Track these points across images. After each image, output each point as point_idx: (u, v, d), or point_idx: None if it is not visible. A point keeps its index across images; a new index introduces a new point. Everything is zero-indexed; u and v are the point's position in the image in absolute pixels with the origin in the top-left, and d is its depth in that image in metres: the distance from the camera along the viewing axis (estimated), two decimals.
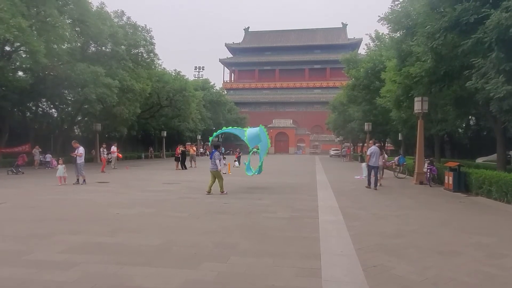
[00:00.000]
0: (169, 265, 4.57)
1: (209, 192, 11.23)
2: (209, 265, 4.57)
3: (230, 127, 15.57)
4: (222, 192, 11.23)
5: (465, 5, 9.78)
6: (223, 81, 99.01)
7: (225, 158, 13.58)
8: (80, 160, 13.77)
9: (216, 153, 11.53)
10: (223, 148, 58.55)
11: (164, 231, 6.40)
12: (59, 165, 14.02)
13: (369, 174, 13.70)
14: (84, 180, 13.78)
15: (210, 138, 14.17)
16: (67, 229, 6.45)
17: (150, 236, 6.03)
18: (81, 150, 13.96)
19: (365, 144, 35.96)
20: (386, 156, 19.65)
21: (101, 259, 4.78)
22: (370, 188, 13.42)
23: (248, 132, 13.24)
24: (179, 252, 5.13)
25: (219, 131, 14.07)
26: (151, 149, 42.49)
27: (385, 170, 19.48)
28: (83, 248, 5.30)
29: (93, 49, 28.90)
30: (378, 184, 13.76)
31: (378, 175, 13.89)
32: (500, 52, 9.01)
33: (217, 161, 11.34)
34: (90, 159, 29.63)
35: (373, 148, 13.71)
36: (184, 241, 5.69)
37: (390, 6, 14.91)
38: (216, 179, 11.43)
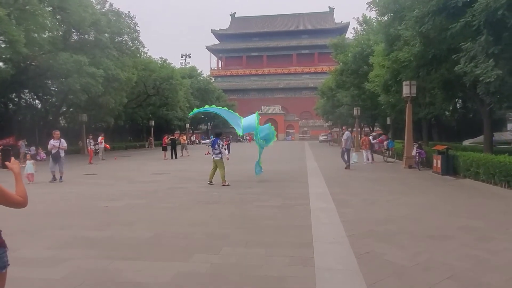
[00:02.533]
0: (160, 258, 4.50)
1: (211, 182, 10.93)
2: (201, 257, 4.51)
3: (215, 107, 13.43)
4: (224, 183, 10.74)
5: None
6: (211, 68, 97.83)
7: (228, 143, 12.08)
8: (63, 154, 12.39)
9: (219, 141, 11.22)
10: (211, 136, 58.52)
11: (154, 223, 6.31)
12: (27, 161, 12.28)
13: (343, 156, 15.70)
14: (61, 177, 12.25)
15: (190, 114, 13.26)
16: (54, 224, 6.31)
17: (140, 228, 5.94)
18: (65, 143, 12.54)
19: (354, 129, 36.16)
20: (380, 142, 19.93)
21: (90, 254, 4.68)
22: (349, 168, 15.27)
23: (244, 121, 12.65)
24: (170, 244, 5.06)
25: (200, 109, 12.84)
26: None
27: (374, 154, 19.72)
28: (71, 243, 5.19)
29: (76, 37, 28.08)
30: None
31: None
32: (489, 35, 9.00)
33: (222, 150, 11.09)
34: (77, 150, 29.20)
35: (347, 133, 16.08)
36: (175, 233, 5.62)
37: None
38: (218, 169, 11.04)
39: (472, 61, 9.68)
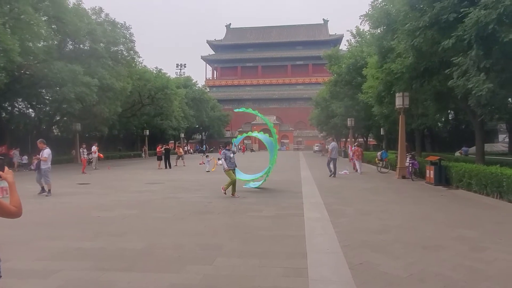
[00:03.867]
0: (153, 269, 4.46)
1: (233, 194, 10.49)
2: (194, 268, 4.48)
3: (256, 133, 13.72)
4: (223, 189, 10.59)
5: (444, 3, 9.90)
6: (206, 78, 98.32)
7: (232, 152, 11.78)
8: (46, 165, 11.05)
9: (225, 152, 10.84)
10: (205, 146, 57.24)
11: (147, 233, 6.26)
12: None
13: (328, 164, 16.51)
14: (49, 190, 11.04)
15: (234, 140, 13.19)
16: (46, 234, 6.24)
17: (133, 239, 5.88)
18: (46, 153, 11.12)
19: (348, 140, 36.37)
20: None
21: (82, 265, 4.62)
22: (333, 176, 16.04)
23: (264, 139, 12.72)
24: (163, 255, 5.02)
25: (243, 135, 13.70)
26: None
27: (368, 164, 19.89)
28: (63, 254, 5.12)
29: (71, 47, 28.19)
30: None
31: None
32: (480, 49, 9.17)
33: (222, 160, 10.65)
34: (70, 159, 29.01)
35: (333, 144, 17.00)
36: (168, 243, 5.57)
37: (370, 3, 15.12)
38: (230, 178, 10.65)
39: (464, 75, 9.84)
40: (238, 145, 12.22)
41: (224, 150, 11.02)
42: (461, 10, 9.32)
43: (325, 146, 49.26)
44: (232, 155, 11.05)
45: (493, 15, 8.44)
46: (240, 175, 12.33)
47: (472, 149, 22.78)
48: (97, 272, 4.35)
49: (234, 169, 10.97)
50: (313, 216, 7.48)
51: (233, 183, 10.54)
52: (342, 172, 18.24)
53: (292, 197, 10.33)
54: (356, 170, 18.59)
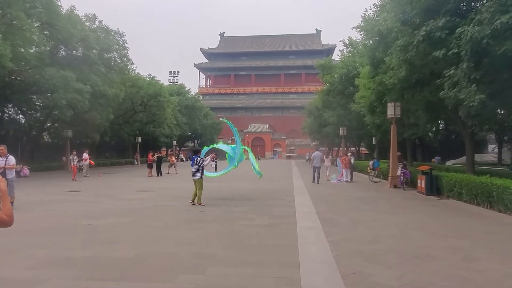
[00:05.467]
0: (144, 278, 4.39)
1: (193, 201, 10.43)
2: (186, 278, 4.42)
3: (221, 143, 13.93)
4: (199, 203, 10.32)
5: (438, 23, 10.08)
6: (199, 86, 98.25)
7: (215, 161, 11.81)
8: (12, 174, 9.78)
9: (198, 159, 10.66)
10: (189, 154, 56.82)
11: (138, 242, 6.18)
12: None
13: (319, 172, 17.50)
14: (12, 203, 8.98)
15: (205, 149, 12.97)
16: (35, 243, 6.12)
17: (123, 248, 5.80)
18: (13, 160, 9.70)
19: (340, 149, 36.59)
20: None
21: (71, 274, 4.54)
22: (314, 183, 16.99)
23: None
24: (154, 264, 4.95)
25: (211, 146, 13.52)
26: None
27: (360, 174, 19.97)
28: (52, 263, 5.02)
29: (63, 53, 28.02)
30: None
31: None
32: (470, 61, 9.36)
33: (209, 166, 10.55)
34: (60, 166, 28.67)
35: (315, 153, 18.09)
36: (160, 253, 5.50)
37: (362, 14, 15.37)
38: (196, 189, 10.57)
39: (455, 86, 10.01)
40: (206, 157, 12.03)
41: (198, 158, 10.73)
42: (457, 30, 9.54)
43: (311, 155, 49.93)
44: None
45: (486, 30, 8.63)
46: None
47: (462, 159, 23.08)
48: (87, 281, 4.28)
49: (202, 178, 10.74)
50: (305, 225, 7.47)
51: (198, 191, 10.48)
52: (335, 181, 18.32)
53: (285, 206, 10.31)
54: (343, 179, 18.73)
